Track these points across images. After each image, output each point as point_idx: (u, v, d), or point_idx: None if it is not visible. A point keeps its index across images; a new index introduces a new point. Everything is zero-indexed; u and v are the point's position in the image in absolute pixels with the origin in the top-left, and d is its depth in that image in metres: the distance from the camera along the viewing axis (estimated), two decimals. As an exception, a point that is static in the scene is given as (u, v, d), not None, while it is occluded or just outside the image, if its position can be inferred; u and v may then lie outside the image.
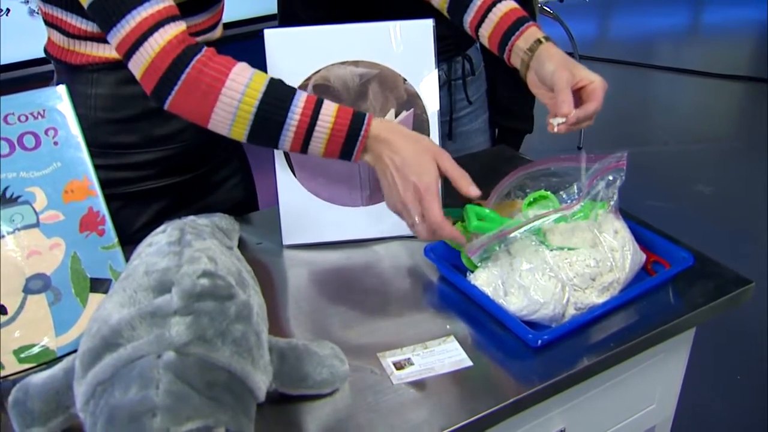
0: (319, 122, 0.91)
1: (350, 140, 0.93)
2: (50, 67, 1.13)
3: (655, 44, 5.39)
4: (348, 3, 1.35)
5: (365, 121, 0.93)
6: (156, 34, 0.88)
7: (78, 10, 1.01)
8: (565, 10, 3.58)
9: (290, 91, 0.92)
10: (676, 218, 2.86)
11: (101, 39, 1.03)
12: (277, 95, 0.91)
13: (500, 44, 1.12)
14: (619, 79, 4.74)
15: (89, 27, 1.02)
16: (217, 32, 1.16)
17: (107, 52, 1.04)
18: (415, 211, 0.93)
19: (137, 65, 0.90)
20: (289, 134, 0.91)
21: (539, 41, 1.07)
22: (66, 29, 1.04)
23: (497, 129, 1.71)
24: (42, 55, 1.12)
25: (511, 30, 1.11)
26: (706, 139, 3.80)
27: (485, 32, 1.14)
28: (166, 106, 0.91)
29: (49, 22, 1.07)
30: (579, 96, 1.04)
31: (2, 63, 2.29)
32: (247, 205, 1.33)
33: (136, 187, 1.14)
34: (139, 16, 0.87)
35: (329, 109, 0.92)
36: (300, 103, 0.91)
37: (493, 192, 1.00)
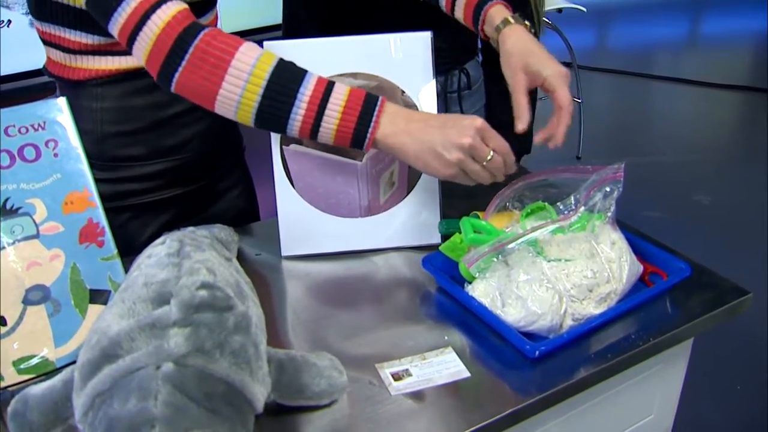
0: (327, 112, 0.88)
1: (359, 134, 0.89)
2: (53, 77, 1.13)
3: (653, 54, 5.41)
4: (350, 11, 1.36)
5: (378, 104, 0.89)
6: (159, 11, 0.87)
7: (76, 24, 1.01)
8: (564, 21, 3.59)
9: (301, 72, 0.89)
10: (675, 229, 2.86)
11: (102, 52, 1.03)
12: (287, 74, 0.88)
13: (474, 26, 1.10)
14: (618, 89, 4.75)
15: (89, 40, 1.02)
16: None
17: (109, 64, 1.04)
18: (485, 146, 0.90)
19: (142, 47, 0.88)
20: (296, 124, 0.89)
21: (499, 27, 1.03)
22: (65, 45, 1.04)
23: None
24: (44, 66, 1.12)
25: (477, 12, 1.08)
26: (705, 149, 3.81)
27: (460, 14, 1.11)
28: (173, 87, 0.89)
29: (47, 41, 1.06)
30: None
31: (4, 74, 2.30)
32: (250, 214, 1.34)
33: (143, 199, 1.14)
34: None
35: (338, 97, 0.89)
36: (310, 84, 0.88)
37: (491, 203, 1.01)
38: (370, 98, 0.90)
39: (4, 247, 0.85)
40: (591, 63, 4.66)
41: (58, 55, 1.06)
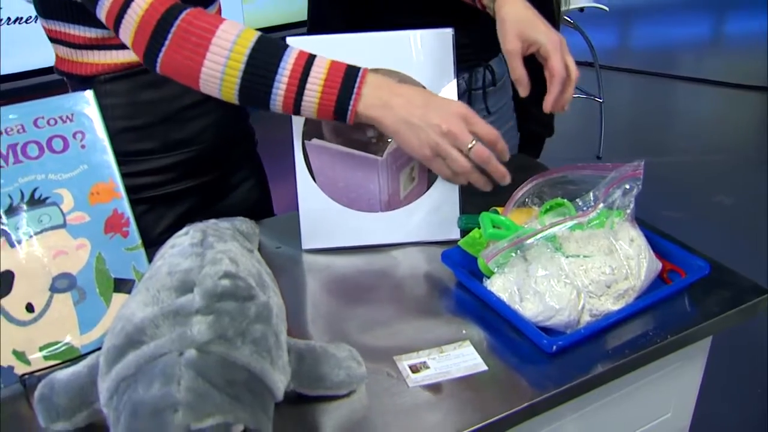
0: (307, 85, 0.88)
1: (341, 107, 0.89)
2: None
3: (676, 54, 5.37)
4: (374, 8, 1.37)
5: (359, 75, 0.89)
6: None
7: (79, 18, 1.03)
8: (586, 20, 3.58)
9: (281, 46, 0.89)
10: (696, 229, 2.83)
11: (106, 46, 1.05)
12: (268, 50, 0.89)
13: None
14: (640, 88, 4.73)
15: (93, 34, 1.04)
16: None
17: (114, 58, 1.06)
18: (467, 132, 0.89)
19: (127, 30, 0.90)
20: (278, 99, 0.89)
21: None
22: (71, 41, 1.06)
23: (523, 135, 1.71)
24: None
25: None
26: (727, 149, 3.78)
27: None
28: (157, 68, 0.91)
29: (54, 38, 1.09)
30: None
31: (30, 69, 2.35)
32: (263, 207, 1.36)
33: (157, 192, 1.16)
34: None
35: (319, 70, 0.89)
36: (290, 58, 0.88)
37: (510, 199, 1.01)
38: (351, 70, 0.90)
39: (31, 236, 0.87)
40: (613, 62, 4.64)
41: (64, 51, 1.09)
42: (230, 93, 0.90)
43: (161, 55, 0.89)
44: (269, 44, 0.89)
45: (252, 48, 0.88)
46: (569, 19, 3.41)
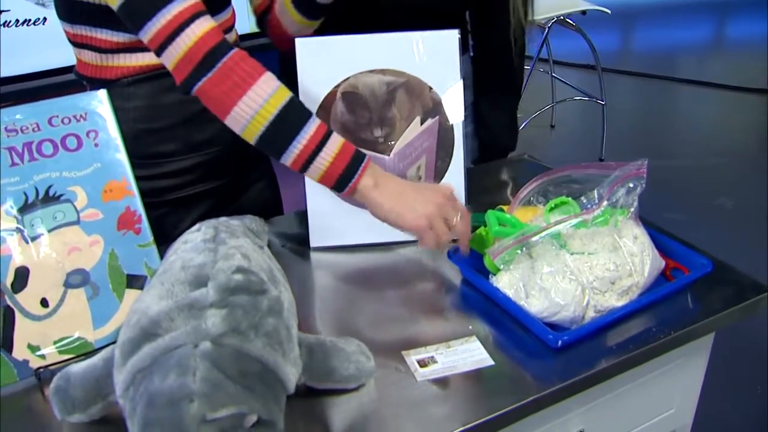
0: (321, 153, 0.95)
1: (344, 179, 0.97)
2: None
3: (677, 57, 5.37)
4: (360, 11, 1.37)
5: (365, 160, 0.97)
6: (193, 25, 0.92)
7: (107, 23, 1.03)
8: (588, 23, 3.59)
9: (306, 116, 0.95)
10: (697, 231, 2.82)
11: (133, 48, 1.06)
12: (296, 112, 0.95)
13: None
14: (642, 91, 4.74)
15: (120, 38, 1.05)
16: (231, 36, 1.20)
17: (140, 60, 1.07)
18: (455, 209, 0.98)
19: (172, 54, 0.93)
20: (292, 155, 0.95)
21: None
22: (97, 45, 1.07)
23: (480, 144, 1.61)
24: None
25: None
26: (728, 152, 3.78)
27: None
28: (193, 92, 0.94)
29: (79, 43, 1.09)
30: None
31: (44, 69, 2.38)
32: (274, 206, 1.37)
33: (178, 194, 1.18)
34: (175, 10, 0.91)
35: (334, 144, 0.96)
36: (310, 130, 0.94)
37: (516, 197, 1.03)
38: (359, 154, 0.97)
39: (46, 233, 0.89)
40: (615, 65, 4.65)
41: (90, 56, 1.09)
42: (251, 136, 0.95)
43: (201, 83, 0.93)
44: (298, 109, 0.96)
45: (282, 108, 0.94)
46: (571, 22, 3.42)
